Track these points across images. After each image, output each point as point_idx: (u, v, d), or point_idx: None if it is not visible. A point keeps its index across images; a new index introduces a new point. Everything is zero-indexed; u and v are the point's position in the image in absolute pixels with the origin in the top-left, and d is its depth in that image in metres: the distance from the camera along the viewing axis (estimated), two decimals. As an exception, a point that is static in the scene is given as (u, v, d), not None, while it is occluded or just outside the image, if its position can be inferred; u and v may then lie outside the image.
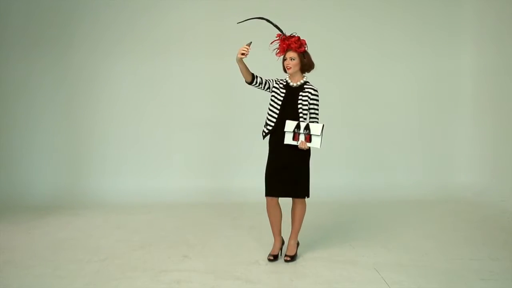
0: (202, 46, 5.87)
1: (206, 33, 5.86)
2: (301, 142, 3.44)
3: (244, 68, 3.51)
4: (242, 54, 3.41)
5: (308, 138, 3.44)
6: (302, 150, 3.51)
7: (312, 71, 3.62)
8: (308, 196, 3.66)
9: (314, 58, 3.58)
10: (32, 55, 5.81)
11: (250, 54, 3.46)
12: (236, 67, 3.56)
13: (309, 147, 3.52)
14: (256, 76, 3.57)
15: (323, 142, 3.50)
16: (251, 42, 3.48)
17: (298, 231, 3.71)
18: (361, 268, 3.46)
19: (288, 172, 3.54)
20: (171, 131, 5.95)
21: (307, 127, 3.44)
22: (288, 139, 3.48)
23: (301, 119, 3.50)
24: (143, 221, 4.86)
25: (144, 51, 5.88)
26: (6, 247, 4.00)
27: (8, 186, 5.72)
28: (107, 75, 5.90)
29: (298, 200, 3.65)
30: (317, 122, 3.52)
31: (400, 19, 6.03)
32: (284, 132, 3.49)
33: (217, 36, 5.85)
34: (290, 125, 3.47)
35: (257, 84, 3.59)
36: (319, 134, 3.43)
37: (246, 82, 3.59)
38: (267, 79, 3.61)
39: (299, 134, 3.45)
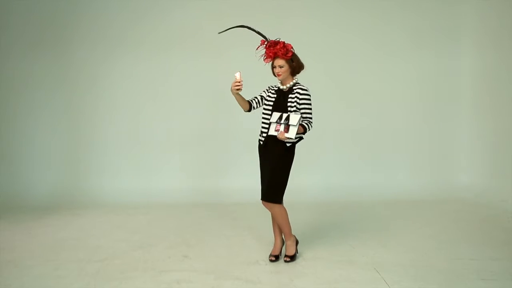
0: (202, 46, 5.86)
1: (206, 33, 5.84)
2: (280, 132, 3.36)
3: (241, 99, 3.52)
4: (238, 89, 3.41)
5: (287, 128, 3.37)
6: (281, 156, 3.46)
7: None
8: (277, 203, 3.52)
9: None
10: (32, 55, 5.81)
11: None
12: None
13: (291, 149, 3.45)
14: (252, 101, 3.58)
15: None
16: (239, 72, 3.41)
17: (288, 233, 3.64)
18: (361, 268, 3.45)
19: (265, 176, 3.53)
20: (171, 131, 5.94)
21: (287, 118, 3.39)
22: (272, 130, 3.43)
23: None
24: (143, 221, 4.86)
25: (144, 51, 5.87)
26: (6, 247, 4.00)
27: (8, 186, 5.72)
28: (107, 75, 5.89)
29: (267, 204, 3.54)
30: (310, 119, 3.46)
31: (400, 19, 6.02)
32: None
33: (218, 36, 5.83)
34: (274, 116, 3.44)
35: (255, 108, 3.61)
36: (295, 124, 3.35)
37: (245, 111, 3.61)
38: (259, 95, 3.61)
39: (280, 124, 3.40)
